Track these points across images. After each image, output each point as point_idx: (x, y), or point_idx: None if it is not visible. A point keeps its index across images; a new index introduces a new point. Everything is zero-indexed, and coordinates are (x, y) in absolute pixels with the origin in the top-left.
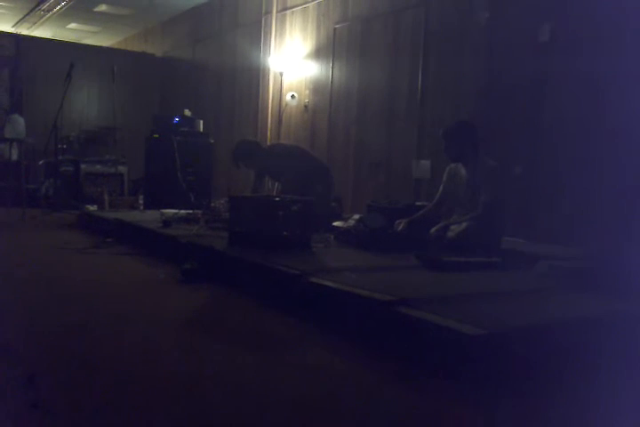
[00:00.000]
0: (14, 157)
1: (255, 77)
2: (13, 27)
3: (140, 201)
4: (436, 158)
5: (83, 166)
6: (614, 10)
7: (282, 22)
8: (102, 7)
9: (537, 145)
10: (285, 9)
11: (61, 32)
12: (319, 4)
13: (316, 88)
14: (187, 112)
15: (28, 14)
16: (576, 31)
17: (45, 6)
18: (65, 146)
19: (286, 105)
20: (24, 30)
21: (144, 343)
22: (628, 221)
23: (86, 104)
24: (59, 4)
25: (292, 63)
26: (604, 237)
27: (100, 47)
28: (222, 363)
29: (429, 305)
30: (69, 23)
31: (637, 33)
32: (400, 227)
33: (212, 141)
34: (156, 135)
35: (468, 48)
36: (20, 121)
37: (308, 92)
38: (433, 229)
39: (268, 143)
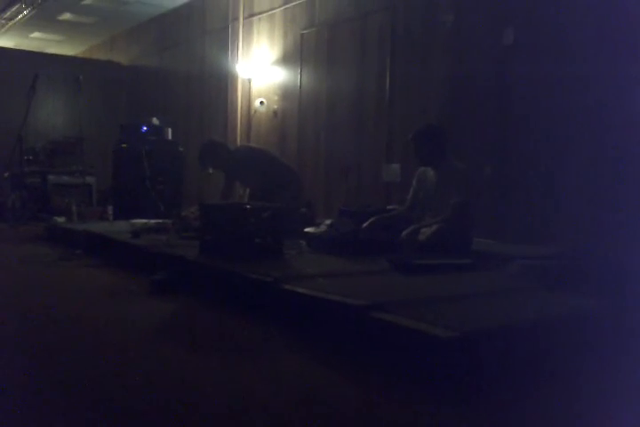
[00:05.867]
0: None
1: (224, 84)
2: None
3: (109, 212)
4: (406, 162)
5: (50, 178)
6: (576, 13)
7: (249, 29)
8: (66, 16)
9: (504, 147)
10: (252, 15)
11: (24, 41)
12: (285, 10)
13: (285, 94)
14: (155, 120)
15: None
16: (539, 34)
17: (7, 15)
18: (31, 157)
19: (255, 111)
20: None
21: (108, 353)
22: (599, 220)
23: (52, 114)
24: (21, 13)
25: (261, 69)
26: (575, 237)
27: (65, 56)
28: (188, 370)
29: (403, 309)
30: (33, 32)
31: (598, 35)
32: (365, 225)
33: (182, 149)
34: (124, 145)
35: (435, 52)
36: None
37: (276, 98)
38: (404, 233)
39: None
